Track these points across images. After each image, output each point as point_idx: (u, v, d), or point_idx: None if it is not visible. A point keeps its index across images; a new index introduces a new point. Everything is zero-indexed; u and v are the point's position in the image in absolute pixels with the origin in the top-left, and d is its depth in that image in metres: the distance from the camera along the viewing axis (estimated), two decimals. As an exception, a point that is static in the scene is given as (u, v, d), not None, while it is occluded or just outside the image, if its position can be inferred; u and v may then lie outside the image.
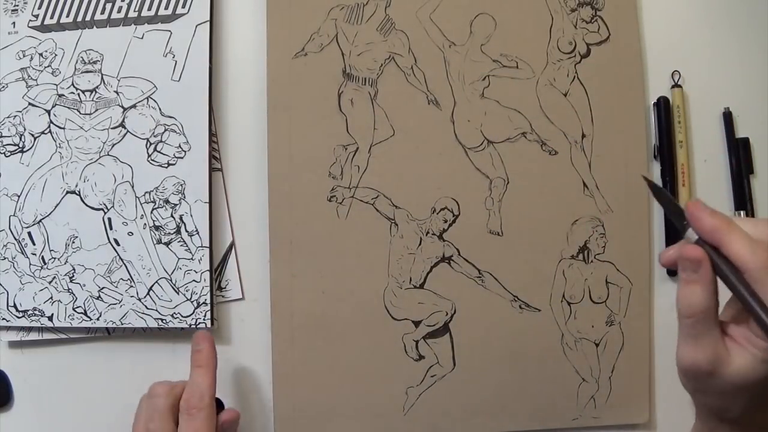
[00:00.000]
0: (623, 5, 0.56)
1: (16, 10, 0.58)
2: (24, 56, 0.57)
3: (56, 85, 0.57)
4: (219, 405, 0.52)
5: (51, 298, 0.55)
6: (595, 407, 0.55)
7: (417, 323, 0.55)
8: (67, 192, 0.56)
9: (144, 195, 0.55)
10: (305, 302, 0.54)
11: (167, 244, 0.55)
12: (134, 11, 0.57)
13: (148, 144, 0.56)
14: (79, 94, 0.56)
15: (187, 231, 0.55)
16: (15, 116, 0.57)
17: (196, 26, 0.56)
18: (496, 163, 0.55)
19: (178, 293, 0.54)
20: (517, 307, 0.55)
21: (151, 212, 0.55)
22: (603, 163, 0.55)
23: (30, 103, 0.57)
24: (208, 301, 0.54)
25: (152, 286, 0.55)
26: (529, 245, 0.55)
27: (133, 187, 0.55)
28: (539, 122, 0.55)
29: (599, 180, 0.55)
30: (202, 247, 0.55)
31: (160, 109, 0.56)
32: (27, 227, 0.56)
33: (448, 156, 0.55)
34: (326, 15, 0.56)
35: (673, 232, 0.55)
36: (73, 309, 0.55)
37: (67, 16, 0.57)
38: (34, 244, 0.56)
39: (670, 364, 0.54)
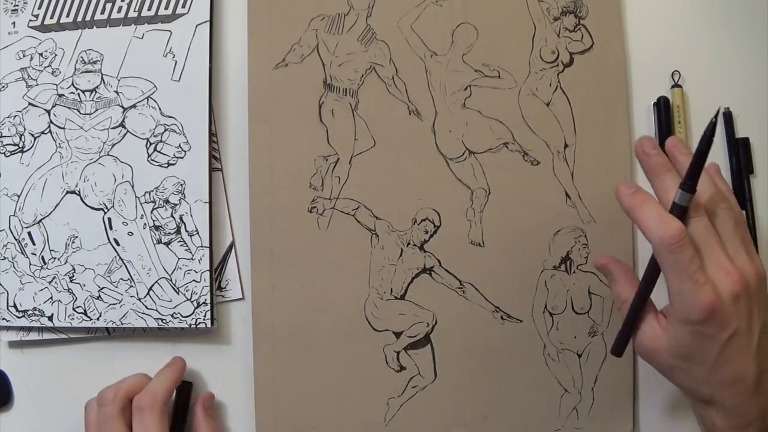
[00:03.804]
0: (607, 13, 0.56)
1: (16, 10, 0.58)
2: (24, 56, 0.57)
3: (56, 85, 0.57)
4: (187, 389, 0.54)
5: (51, 298, 0.55)
6: (578, 418, 0.54)
7: (398, 334, 0.55)
8: (67, 192, 0.56)
9: (144, 195, 0.55)
10: (286, 313, 0.54)
11: (167, 244, 0.55)
12: (134, 11, 0.57)
13: (148, 144, 0.56)
14: (79, 94, 0.56)
15: (187, 231, 0.55)
16: (15, 116, 0.57)
17: (196, 26, 0.56)
18: (477, 173, 0.55)
19: (178, 293, 0.54)
20: (498, 318, 0.54)
21: (151, 212, 0.55)
22: (586, 173, 0.55)
23: (30, 103, 0.57)
24: (208, 301, 0.54)
25: (152, 286, 0.55)
26: (510, 256, 0.55)
27: (133, 187, 0.55)
28: (521, 132, 0.55)
29: (582, 190, 0.55)
30: (202, 247, 0.55)
31: (160, 109, 0.56)
32: (27, 227, 0.56)
33: (429, 167, 0.55)
34: (307, 25, 0.55)
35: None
36: (73, 309, 0.55)
37: (67, 16, 0.57)
38: (34, 244, 0.56)
39: (653, 375, 0.54)
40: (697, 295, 0.39)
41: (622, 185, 0.44)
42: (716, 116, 0.40)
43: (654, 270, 0.43)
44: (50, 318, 0.55)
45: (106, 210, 0.56)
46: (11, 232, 0.56)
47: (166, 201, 0.55)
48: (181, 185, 0.55)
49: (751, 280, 0.41)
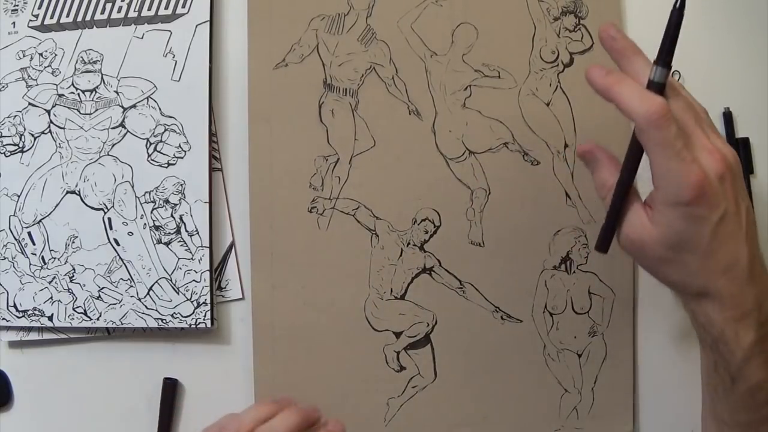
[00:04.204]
0: (607, 13, 0.56)
1: (16, 10, 0.58)
2: (24, 56, 0.57)
3: (56, 85, 0.57)
4: (172, 387, 0.54)
5: (51, 298, 0.55)
6: (578, 418, 0.55)
7: (398, 334, 0.55)
8: (67, 192, 0.56)
9: (144, 195, 0.55)
10: (286, 313, 0.54)
11: (167, 244, 0.55)
12: (134, 11, 0.57)
13: (148, 144, 0.56)
14: (79, 94, 0.56)
15: (187, 231, 0.55)
16: (15, 116, 0.57)
17: (196, 26, 0.56)
18: (477, 173, 0.55)
19: (178, 293, 0.54)
20: (498, 318, 0.54)
21: (151, 212, 0.55)
22: (586, 173, 0.54)
23: (30, 103, 0.57)
24: (208, 301, 0.54)
25: (152, 286, 0.55)
26: (510, 256, 0.55)
27: (133, 187, 0.55)
28: (521, 132, 0.55)
29: (582, 190, 0.55)
30: (202, 247, 0.55)
31: (160, 109, 0.56)
32: (27, 227, 0.56)
33: (429, 167, 0.55)
34: (307, 25, 0.55)
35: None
36: (73, 309, 0.55)
37: (67, 16, 0.57)
38: (34, 244, 0.56)
39: (653, 375, 0.55)
40: (685, 173, 0.38)
41: (592, 67, 0.41)
42: None
43: (635, 152, 0.41)
44: (50, 318, 0.55)
45: (106, 210, 0.56)
46: (11, 232, 0.56)
47: (166, 201, 0.55)
48: (181, 185, 0.55)
49: (731, 161, 0.40)
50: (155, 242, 0.55)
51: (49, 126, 0.56)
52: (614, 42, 0.42)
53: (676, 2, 0.40)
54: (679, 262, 0.40)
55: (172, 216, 0.55)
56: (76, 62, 0.57)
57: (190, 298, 0.54)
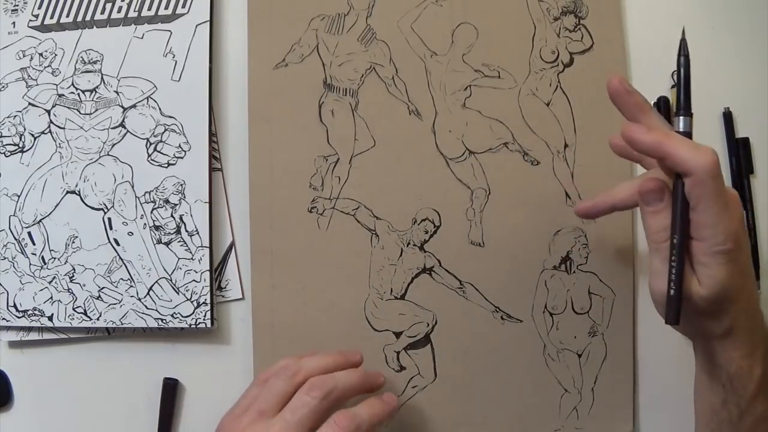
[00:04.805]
0: (607, 13, 0.56)
1: (16, 10, 0.58)
2: (24, 56, 0.57)
3: (56, 85, 0.57)
4: (173, 387, 0.54)
5: (51, 298, 0.55)
6: (578, 418, 0.55)
7: (398, 334, 0.55)
8: (67, 192, 0.56)
9: (144, 195, 0.55)
10: (286, 313, 0.54)
11: (167, 244, 0.55)
12: (134, 11, 0.57)
13: (148, 144, 0.56)
14: (79, 94, 0.56)
15: (187, 231, 0.55)
16: (15, 116, 0.57)
17: (196, 26, 0.56)
18: (477, 173, 0.55)
19: (178, 293, 0.54)
20: (498, 318, 0.54)
21: (151, 212, 0.55)
22: (586, 173, 0.55)
23: (30, 103, 0.57)
24: (208, 301, 0.54)
25: (152, 286, 0.55)
26: (510, 256, 0.55)
27: (133, 187, 0.55)
28: (521, 132, 0.55)
29: (582, 190, 0.55)
30: (202, 247, 0.55)
31: (160, 109, 0.56)
32: (27, 227, 0.56)
33: (429, 167, 0.55)
34: (307, 25, 0.56)
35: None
36: (73, 309, 0.55)
37: (67, 16, 0.57)
38: (34, 244, 0.56)
39: (653, 375, 0.55)
40: (728, 221, 0.38)
41: (630, 127, 0.39)
42: (683, 34, 0.42)
43: (685, 212, 0.39)
44: (50, 318, 0.55)
45: (106, 210, 0.56)
46: (11, 232, 0.56)
47: (166, 201, 0.55)
48: (181, 185, 0.55)
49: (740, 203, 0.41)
50: (155, 242, 0.55)
51: (49, 126, 0.56)
52: (631, 96, 0.42)
53: (680, 50, 0.41)
54: (717, 311, 0.40)
55: (172, 216, 0.55)
56: (76, 62, 0.57)
57: (190, 298, 0.54)
